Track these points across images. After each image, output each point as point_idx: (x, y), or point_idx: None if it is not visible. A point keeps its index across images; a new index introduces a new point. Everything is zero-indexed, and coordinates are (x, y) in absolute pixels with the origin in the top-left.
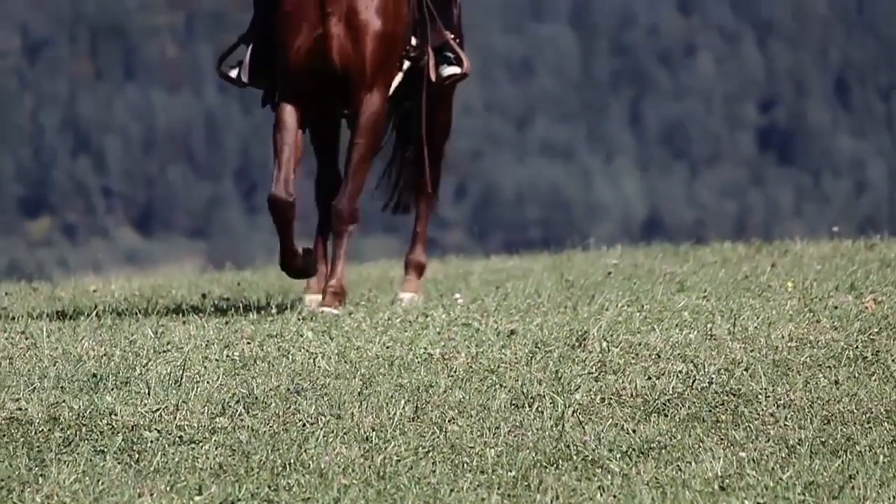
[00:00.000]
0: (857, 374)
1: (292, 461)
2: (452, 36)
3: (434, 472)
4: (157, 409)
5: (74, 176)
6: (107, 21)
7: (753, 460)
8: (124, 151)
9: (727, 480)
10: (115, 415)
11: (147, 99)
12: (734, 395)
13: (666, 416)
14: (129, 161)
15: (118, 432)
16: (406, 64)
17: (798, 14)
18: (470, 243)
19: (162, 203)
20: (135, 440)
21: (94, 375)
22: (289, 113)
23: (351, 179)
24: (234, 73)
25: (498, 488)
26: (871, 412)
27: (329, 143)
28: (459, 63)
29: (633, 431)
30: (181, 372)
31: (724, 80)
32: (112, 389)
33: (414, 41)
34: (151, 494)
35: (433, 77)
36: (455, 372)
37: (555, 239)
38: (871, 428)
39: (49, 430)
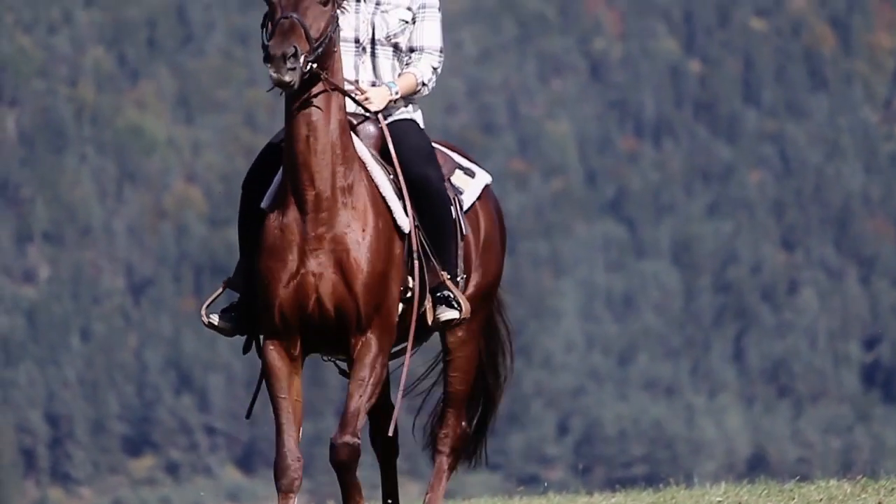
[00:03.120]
0: None
1: None
2: (448, 276)
3: None
4: None
5: (178, 414)
6: (210, 259)
7: None
8: (227, 389)
9: None
10: None
11: None
12: None
13: None
14: (231, 399)
15: None
16: (399, 306)
17: None
18: (572, 479)
19: (265, 441)
20: None
21: None
22: (278, 358)
23: (348, 412)
24: (216, 321)
25: None
26: None
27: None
28: (459, 306)
29: None
30: None
31: (827, 317)
32: None
33: (410, 281)
34: None
35: (429, 321)
36: None
37: (658, 476)
38: None
39: None
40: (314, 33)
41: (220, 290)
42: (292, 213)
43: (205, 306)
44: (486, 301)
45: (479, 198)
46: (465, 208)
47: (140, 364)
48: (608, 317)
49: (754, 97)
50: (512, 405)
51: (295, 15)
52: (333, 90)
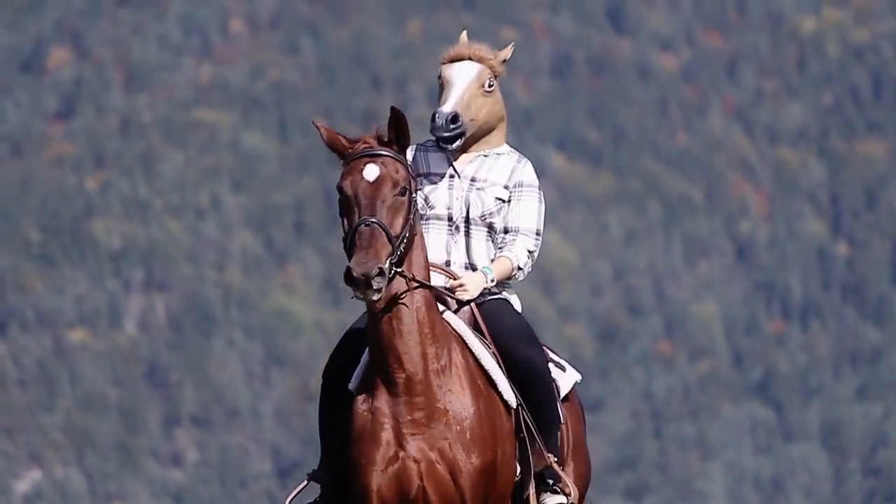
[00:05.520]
0: None
1: None
2: (555, 459)
3: None
4: None
5: None
6: None
7: None
8: None
9: None
10: None
11: None
12: None
13: None
14: None
15: None
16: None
17: None
18: None
19: None
20: None
21: None
22: None
23: None
24: None
25: None
26: None
27: None
28: (565, 490)
29: None
30: None
31: None
32: None
33: (518, 468)
34: None
35: None
36: None
37: None
38: None
39: None
40: (395, 231)
41: (304, 483)
42: (383, 397)
43: (288, 501)
44: None
45: (568, 394)
46: (560, 397)
47: None
48: (756, 500)
49: None
50: None
51: (374, 219)
52: (416, 287)
